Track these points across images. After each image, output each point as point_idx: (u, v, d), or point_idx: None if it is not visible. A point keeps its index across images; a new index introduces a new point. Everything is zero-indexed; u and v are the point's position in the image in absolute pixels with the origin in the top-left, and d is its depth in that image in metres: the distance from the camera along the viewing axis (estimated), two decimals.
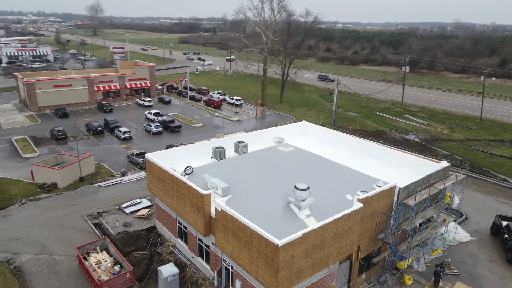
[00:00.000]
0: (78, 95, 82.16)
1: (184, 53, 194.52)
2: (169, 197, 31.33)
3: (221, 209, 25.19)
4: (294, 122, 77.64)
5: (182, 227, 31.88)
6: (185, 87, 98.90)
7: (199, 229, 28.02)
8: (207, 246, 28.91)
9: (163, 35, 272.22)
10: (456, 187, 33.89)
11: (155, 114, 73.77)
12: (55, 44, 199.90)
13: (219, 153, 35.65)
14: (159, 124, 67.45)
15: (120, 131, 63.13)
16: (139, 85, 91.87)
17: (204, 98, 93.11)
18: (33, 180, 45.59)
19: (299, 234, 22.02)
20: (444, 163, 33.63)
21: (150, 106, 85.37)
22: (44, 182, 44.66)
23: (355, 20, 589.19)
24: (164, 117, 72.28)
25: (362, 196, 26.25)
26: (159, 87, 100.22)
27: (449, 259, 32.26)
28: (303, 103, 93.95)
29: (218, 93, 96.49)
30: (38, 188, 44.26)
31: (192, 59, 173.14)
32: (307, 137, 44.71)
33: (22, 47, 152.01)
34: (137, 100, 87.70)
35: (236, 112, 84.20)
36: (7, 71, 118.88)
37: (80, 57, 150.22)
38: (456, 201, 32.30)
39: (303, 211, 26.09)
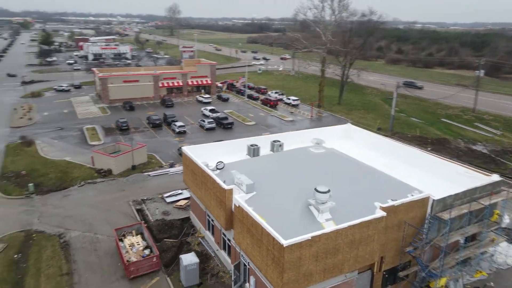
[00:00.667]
0: (144, 90, 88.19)
1: (252, 52, 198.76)
2: (199, 190, 32.54)
3: (238, 205, 25.62)
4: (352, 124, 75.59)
5: (210, 220, 32.90)
6: (243, 86, 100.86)
7: (221, 223, 28.75)
8: (229, 240, 29.55)
9: (231, 35, 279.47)
10: (509, 204, 30.54)
11: (210, 110, 76.50)
12: (135, 43, 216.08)
13: (253, 151, 36.13)
14: (212, 120, 69.83)
15: (175, 125, 66.58)
16: (200, 83, 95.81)
17: (262, 97, 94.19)
18: (93, 165, 50.07)
19: (307, 236, 21.64)
20: (495, 177, 30.45)
21: (209, 103, 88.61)
22: (101, 167, 48.85)
23: (438, 20, 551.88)
24: (218, 114, 74.63)
25: (386, 204, 24.90)
26: (219, 84, 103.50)
27: (492, 283, 29.20)
28: (362, 106, 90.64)
29: (276, 92, 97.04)
30: (96, 172, 48.57)
31: (258, 59, 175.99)
32: (350, 140, 43.29)
33: (106, 45, 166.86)
34: (197, 96, 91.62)
35: (291, 112, 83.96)
36: (89, 66, 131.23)
37: (154, 56, 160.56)
38: (507, 220, 29.06)
39: (322, 214, 25.48)
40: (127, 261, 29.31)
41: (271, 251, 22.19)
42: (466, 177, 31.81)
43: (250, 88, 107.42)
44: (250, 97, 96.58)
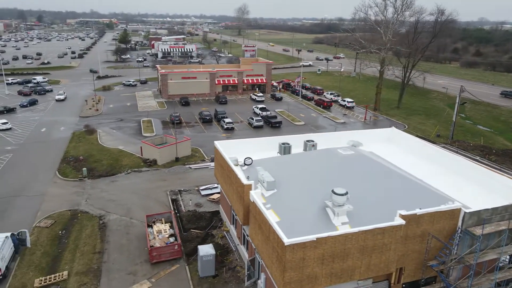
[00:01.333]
0: (201, 87, 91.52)
1: (308, 51, 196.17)
2: (225, 184, 33.08)
3: (253, 201, 25.59)
4: (407, 129, 71.44)
5: (234, 214, 33.25)
6: (298, 86, 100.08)
7: (240, 217, 28.95)
8: (247, 235, 29.63)
9: (294, 35, 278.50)
10: None
11: (261, 108, 77.04)
12: (202, 42, 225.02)
13: (283, 149, 35.82)
14: (260, 118, 70.31)
15: (224, 121, 68.18)
16: (255, 81, 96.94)
17: (316, 97, 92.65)
18: (141, 155, 53.21)
19: (312, 237, 20.98)
20: None
21: (262, 101, 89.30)
22: (148, 157, 51.75)
23: None
24: (268, 112, 74.92)
25: (407, 212, 23.19)
26: (274, 83, 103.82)
27: None
28: (423, 111, 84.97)
29: (331, 93, 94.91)
30: (142, 162, 51.57)
31: (321, 59, 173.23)
32: (391, 144, 41.03)
33: (174, 44, 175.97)
34: (251, 94, 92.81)
35: (345, 114, 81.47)
36: (158, 63, 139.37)
37: (217, 54, 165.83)
38: None
39: (338, 217, 24.47)
40: (151, 246, 30.73)
41: (275, 249, 21.88)
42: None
43: (307, 88, 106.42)
44: (304, 97, 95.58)
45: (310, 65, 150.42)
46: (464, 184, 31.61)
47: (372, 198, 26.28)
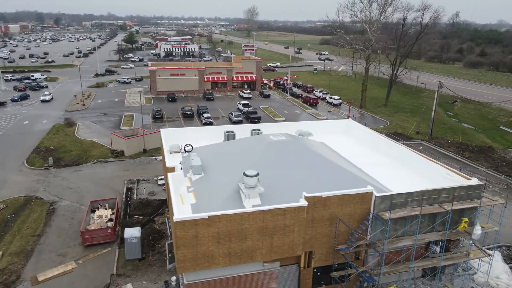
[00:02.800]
0: (189, 84, 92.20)
1: (297, 48, 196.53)
2: (163, 170, 33.32)
3: (168, 182, 25.76)
4: (389, 126, 70.57)
5: None
6: (286, 83, 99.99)
7: (168, 201, 29.12)
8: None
9: (295, 35, 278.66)
10: (490, 215, 26.05)
11: (244, 105, 77.23)
12: (208, 43, 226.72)
13: (227, 137, 35.92)
14: (240, 113, 70.43)
15: (203, 116, 68.56)
16: (245, 78, 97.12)
17: (304, 95, 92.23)
18: (111, 147, 53.96)
19: (204, 215, 21.02)
20: (474, 181, 26.18)
21: (249, 98, 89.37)
22: (116, 149, 52.45)
23: None
24: (250, 108, 75.06)
25: (311, 194, 22.94)
26: (265, 81, 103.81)
27: None
28: (411, 109, 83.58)
29: (320, 91, 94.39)
30: (110, 153, 52.30)
31: (324, 60, 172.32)
32: (345, 135, 40.67)
33: (177, 44, 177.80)
34: (239, 92, 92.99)
35: (329, 111, 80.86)
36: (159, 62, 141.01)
37: (216, 53, 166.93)
38: (478, 231, 24.72)
39: (249, 200, 24.34)
40: (84, 228, 31.17)
41: (173, 226, 21.97)
42: (446, 180, 27.88)
43: (298, 86, 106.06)
44: (293, 95, 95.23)
45: (306, 65, 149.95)
46: (404, 174, 31.14)
47: (290, 182, 26.02)
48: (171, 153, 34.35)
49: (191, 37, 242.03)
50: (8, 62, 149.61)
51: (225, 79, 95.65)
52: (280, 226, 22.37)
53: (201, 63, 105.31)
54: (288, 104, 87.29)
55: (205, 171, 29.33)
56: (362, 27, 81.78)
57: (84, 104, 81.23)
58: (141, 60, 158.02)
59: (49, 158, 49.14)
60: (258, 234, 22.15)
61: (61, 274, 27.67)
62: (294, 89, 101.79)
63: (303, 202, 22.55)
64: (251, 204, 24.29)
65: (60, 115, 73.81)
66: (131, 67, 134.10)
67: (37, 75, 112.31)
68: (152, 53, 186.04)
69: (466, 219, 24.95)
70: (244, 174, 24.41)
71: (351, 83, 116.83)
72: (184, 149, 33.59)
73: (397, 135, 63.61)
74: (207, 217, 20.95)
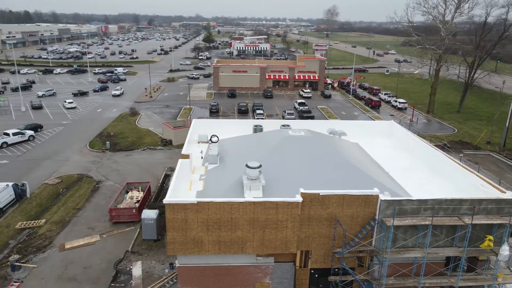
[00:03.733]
0: (251, 81, 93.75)
1: (367, 48, 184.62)
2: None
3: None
4: (456, 133, 64.35)
5: None
6: (348, 84, 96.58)
7: None
8: None
9: (371, 36, 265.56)
10: None
11: (299, 103, 76.40)
12: (283, 42, 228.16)
13: (255, 130, 36.01)
14: (292, 112, 69.81)
15: (255, 112, 69.32)
16: (307, 77, 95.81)
17: (367, 96, 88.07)
18: (162, 136, 57.29)
19: (193, 200, 21.41)
20: (508, 195, 22.80)
21: (309, 98, 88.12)
22: (165, 138, 55.56)
23: None
24: (305, 107, 74.03)
25: (308, 191, 21.99)
26: (328, 81, 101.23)
27: None
28: (488, 118, 74.96)
29: (386, 94, 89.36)
30: (160, 141, 55.56)
31: (399, 61, 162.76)
32: (383, 137, 38.15)
33: (250, 43, 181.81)
34: (299, 91, 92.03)
35: (392, 115, 76.15)
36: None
37: (286, 53, 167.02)
38: (505, 251, 21.43)
39: (250, 191, 24.15)
40: (113, 207, 33.64)
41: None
42: (478, 192, 24.73)
43: (364, 88, 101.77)
44: (356, 96, 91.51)
45: (379, 67, 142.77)
46: (436, 181, 28.33)
47: (298, 178, 25.16)
48: (199, 142, 35.58)
49: (266, 36, 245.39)
50: (101, 57, 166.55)
51: (287, 77, 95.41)
52: (273, 220, 21.83)
53: (265, 61, 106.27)
54: (349, 105, 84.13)
55: (222, 161, 29.79)
56: (435, 25, 75.31)
57: (151, 97, 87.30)
58: (208, 58, 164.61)
59: (107, 142, 53.83)
60: (249, 226, 21.89)
61: (85, 245, 30.25)
62: (360, 90, 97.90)
63: (297, 198, 21.72)
64: (252, 196, 24.06)
65: (129, 105, 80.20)
66: (208, 65, 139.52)
67: (119, 69, 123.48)
68: (226, 51, 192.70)
69: (491, 237, 21.85)
70: (247, 166, 24.28)
71: (425, 86, 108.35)
72: (210, 140, 34.53)
73: (462, 144, 57.75)
74: (196, 202, 21.29)
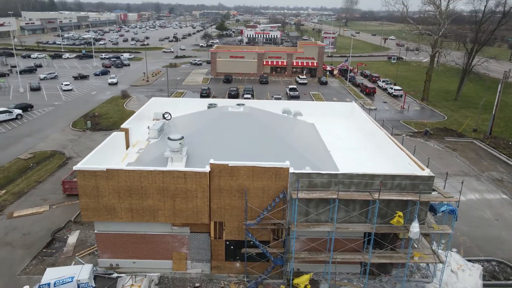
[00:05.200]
0: (248, 67, 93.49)
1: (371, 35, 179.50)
2: None
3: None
4: (444, 121, 62.52)
5: None
6: (343, 71, 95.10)
7: None
8: None
9: (382, 24, 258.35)
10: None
11: (290, 89, 75.85)
12: (297, 31, 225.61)
13: (208, 108, 36.17)
14: (280, 97, 69.46)
15: (243, 97, 69.36)
16: (305, 64, 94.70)
17: (363, 83, 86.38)
18: None
19: (102, 167, 21.90)
20: (425, 172, 22.25)
21: (304, 84, 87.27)
22: None
23: None
24: (295, 93, 73.65)
25: (216, 161, 22.12)
26: (328, 68, 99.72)
27: None
28: (485, 106, 72.13)
29: (384, 81, 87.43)
30: None
31: (412, 50, 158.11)
32: (340, 118, 37.81)
33: (260, 31, 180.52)
34: (296, 77, 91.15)
35: (385, 102, 74.61)
36: None
37: (294, 40, 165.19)
38: (415, 229, 20.95)
39: (172, 163, 24.56)
40: (64, 180, 34.72)
41: None
42: (405, 169, 24.19)
43: (365, 76, 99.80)
44: (354, 83, 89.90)
45: (387, 55, 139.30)
46: (375, 161, 27.78)
47: (225, 151, 25.24)
48: (153, 120, 36.08)
49: (280, 25, 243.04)
50: (113, 44, 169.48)
51: (285, 63, 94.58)
52: (182, 189, 22.13)
53: (263, 47, 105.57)
54: (343, 92, 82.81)
55: (164, 136, 30.20)
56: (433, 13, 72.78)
57: (148, 81, 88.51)
58: (210, 45, 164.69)
59: (87, 122, 55.22)
60: (159, 195, 22.27)
61: (33, 214, 31.45)
62: (360, 78, 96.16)
63: (205, 168, 21.90)
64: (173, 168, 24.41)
65: (125, 88, 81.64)
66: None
67: (125, 55, 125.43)
68: (238, 39, 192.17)
69: (400, 213, 21.42)
70: (168, 138, 24.63)
71: (432, 75, 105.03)
72: (163, 116, 34.98)
73: (445, 131, 56.09)
74: (105, 170, 21.80)
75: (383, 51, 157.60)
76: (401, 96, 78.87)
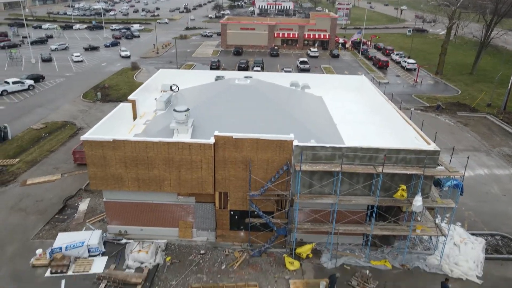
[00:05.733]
0: (259, 39, 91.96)
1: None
2: None
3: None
4: (458, 95, 61.17)
5: None
6: (355, 43, 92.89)
7: None
8: None
9: None
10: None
11: (301, 62, 74.62)
12: (309, 1, 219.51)
13: (215, 80, 36.02)
14: (290, 70, 68.57)
15: (253, 69, 68.69)
16: (317, 36, 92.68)
17: (376, 57, 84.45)
18: None
19: (109, 138, 22.26)
20: (431, 147, 22.07)
21: (316, 57, 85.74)
22: None
23: None
24: (306, 66, 72.50)
25: (221, 133, 22.27)
26: (340, 40, 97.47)
27: (368, 272, 22.32)
28: (501, 80, 70.18)
29: (397, 54, 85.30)
30: None
31: (430, 22, 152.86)
32: (348, 91, 37.35)
33: (272, 1, 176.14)
34: (307, 50, 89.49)
35: (397, 76, 73.10)
36: None
37: (307, 11, 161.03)
38: (418, 202, 21.02)
39: (178, 134, 24.79)
40: (74, 149, 35.44)
41: None
42: (411, 144, 24.01)
43: (379, 48, 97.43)
44: (366, 56, 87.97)
45: (404, 27, 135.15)
46: (382, 135, 27.59)
47: (231, 123, 25.31)
48: (161, 91, 36.16)
49: None
50: (123, 15, 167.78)
51: (296, 36, 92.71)
52: (187, 160, 22.44)
53: (274, 18, 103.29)
54: (355, 65, 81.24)
55: (170, 108, 30.32)
56: None
57: (157, 53, 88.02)
58: (221, 17, 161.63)
59: (98, 93, 55.64)
60: (165, 165, 22.64)
61: (45, 182, 32.40)
62: (373, 51, 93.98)
63: (210, 140, 22.09)
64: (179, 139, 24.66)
65: (135, 60, 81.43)
66: None
67: (135, 26, 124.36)
68: (250, 10, 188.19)
69: (404, 186, 21.45)
70: (174, 110, 24.71)
71: (448, 48, 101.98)
72: (171, 88, 35.02)
73: (458, 106, 55.01)
74: (111, 140, 22.16)
75: (399, 22, 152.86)
76: (414, 69, 77.11)
